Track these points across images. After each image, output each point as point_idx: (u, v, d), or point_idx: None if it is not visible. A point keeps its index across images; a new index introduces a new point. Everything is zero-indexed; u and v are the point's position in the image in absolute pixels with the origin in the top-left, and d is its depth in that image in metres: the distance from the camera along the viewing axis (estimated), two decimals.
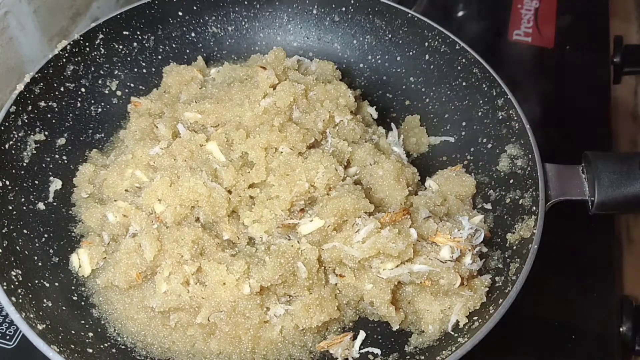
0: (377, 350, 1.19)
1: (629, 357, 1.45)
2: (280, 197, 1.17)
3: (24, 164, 1.28)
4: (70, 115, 1.39)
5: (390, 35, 1.55)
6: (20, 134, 1.29)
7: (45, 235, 1.26)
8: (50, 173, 1.33)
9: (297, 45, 1.61)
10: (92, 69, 1.44)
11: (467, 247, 1.17)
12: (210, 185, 1.20)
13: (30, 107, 1.31)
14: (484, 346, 1.07)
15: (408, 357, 1.17)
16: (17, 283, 1.12)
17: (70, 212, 1.32)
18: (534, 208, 1.22)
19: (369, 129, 1.41)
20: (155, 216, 1.20)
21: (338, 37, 1.60)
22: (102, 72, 1.46)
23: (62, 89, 1.38)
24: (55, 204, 1.31)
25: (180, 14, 1.54)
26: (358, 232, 1.14)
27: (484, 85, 1.41)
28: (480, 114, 1.42)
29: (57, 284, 1.20)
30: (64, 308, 1.17)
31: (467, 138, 1.44)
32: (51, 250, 1.24)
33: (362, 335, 1.20)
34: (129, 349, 1.16)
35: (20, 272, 1.14)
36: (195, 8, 1.54)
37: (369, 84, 1.58)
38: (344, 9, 1.56)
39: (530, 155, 1.28)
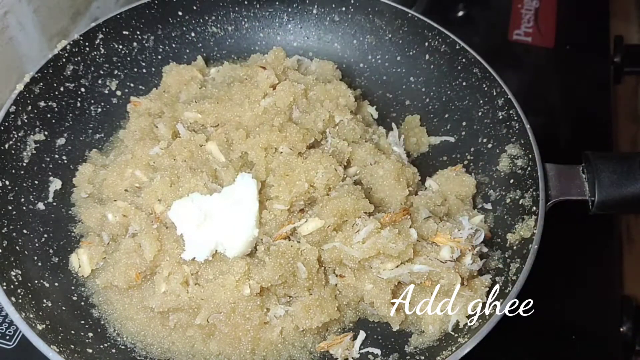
0: (377, 351, 1.19)
1: (630, 357, 1.45)
2: (279, 198, 1.17)
3: (24, 164, 1.28)
4: (70, 115, 1.39)
5: (390, 35, 1.55)
6: (20, 134, 1.29)
7: (45, 235, 1.26)
8: (50, 173, 1.33)
9: (297, 45, 1.60)
10: (92, 69, 1.44)
11: (467, 247, 1.17)
12: (210, 187, 1.20)
13: (30, 107, 1.31)
14: (484, 346, 1.07)
15: (408, 357, 1.17)
16: (17, 283, 1.12)
17: (70, 212, 1.32)
18: (534, 208, 1.22)
19: (369, 129, 1.41)
20: (155, 216, 1.20)
21: (338, 37, 1.60)
22: (102, 72, 1.46)
23: (62, 89, 1.38)
24: (55, 204, 1.31)
25: (180, 14, 1.53)
26: (358, 233, 1.14)
27: (484, 85, 1.41)
28: (480, 113, 1.42)
29: (56, 284, 1.20)
30: (63, 308, 1.17)
31: (467, 138, 1.44)
32: (51, 250, 1.24)
33: (362, 335, 1.20)
34: (128, 349, 1.16)
35: (20, 272, 1.14)
36: (195, 8, 1.54)
37: (369, 84, 1.58)
38: (344, 8, 1.56)
39: (530, 155, 1.28)
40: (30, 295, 1.12)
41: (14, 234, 1.20)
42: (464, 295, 1.16)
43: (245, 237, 1.14)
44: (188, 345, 1.17)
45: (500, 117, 1.37)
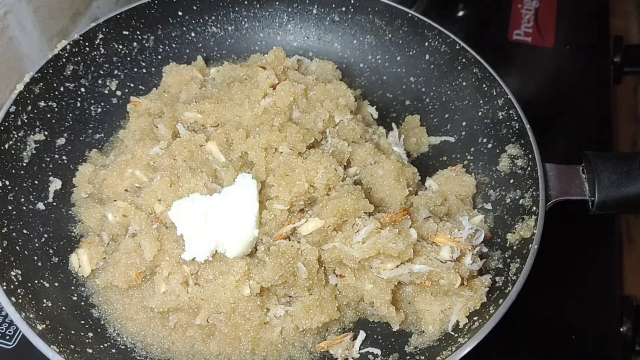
0: (377, 351, 1.19)
1: (630, 357, 1.45)
2: (279, 198, 1.17)
3: (24, 164, 1.28)
4: (70, 115, 1.39)
5: (390, 35, 1.55)
6: (20, 134, 1.29)
7: (45, 235, 1.25)
8: (50, 173, 1.33)
9: (297, 45, 1.61)
10: (92, 69, 1.44)
11: (467, 247, 1.17)
12: (210, 187, 1.20)
13: (30, 107, 1.31)
14: (484, 346, 1.07)
15: (408, 357, 1.17)
16: (17, 283, 1.12)
17: (70, 212, 1.32)
18: (534, 208, 1.22)
19: (369, 129, 1.41)
20: (155, 216, 1.20)
21: (338, 37, 1.60)
22: (102, 72, 1.46)
23: (62, 89, 1.38)
24: (55, 204, 1.31)
25: (180, 13, 1.54)
26: (358, 233, 1.14)
27: (484, 85, 1.41)
28: (480, 114, 1.42)
29: (57, 284, 1.20)
30: (63, 308, 1.17)
31: (467, 138, 1.44)
32: (51, 250, 1.24)
33: (362, 335, 1.20)
34: (128, 349, 1.16)
35: (20, 272, 1.14)
36: (195, 8, 1.54)
37: (369, 84, 1.58)
38: (344, 8, 1.56)
39: (530, 155, 1.28)
40: (30, 295, 1.12)
41: (14, 234, 1.20)
42: (464, 295, 1.16)
43: (245, 237, 1.14)
44: (188, 345, 1.17)
45: (500, 117, 1.37)
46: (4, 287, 1.08)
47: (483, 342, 1.07)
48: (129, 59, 1.50)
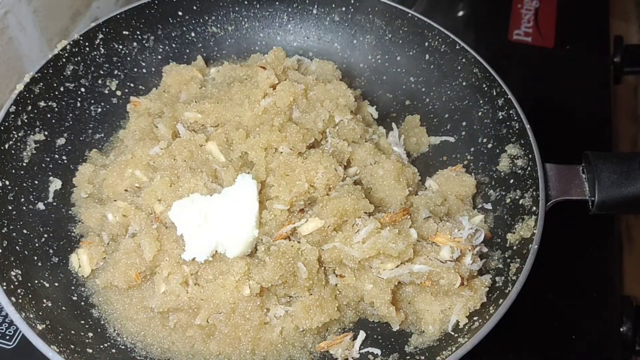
0: (377, 351, 1.19)
1: (630, 357, 1.45)
2: (279, 198, 1.17)
3: (24, 164, 1.28)
4: (70, 115, 1.39)
5: (390, 35, 1.55)
6: (20, 134, 1.29)
7: (45, 235, 1.25)
8: (50, 173, 1.33)
9: (297, 45, 1.61)
10: (92, 68, 1.44)
11: (467, 247, 1.17)
12: (210, 187, 1.20)
13: (30, 107, 1.31)
14: (484, 346, 1.07)
15: (408, 357, 1.17)
16: (17, 283, 1.12)
17: (70, 212, 1.32)
18: (534, 208, 1.22)
19: (369, 129, 1.41)
20: (154, 216, 1.20)
21: (338, 37, 1.60)
22: (102, 72, 1.46)
23: (62, 89, 1.38)
24: (55, 204, 1.31)
25: (180, 13, 1.54)
26: (358, 233, 1.14)
27: (484, 85, 1.41)
28: (480, 114, 1.42)
29: (56, 284, 1.20)
30: (63, 308, 1.17)
31: (467, 138, 1.44)
32: (51, 250, 1.24)
33: (362, 335, 1.20)
34: (128, 349, 1.16)
35: (20, 272, 1.14)
36: (195, 8, 1.54)
37: (369, 84, 1.58)
38: (344, 8, 1.56)
39: (530, 155, 1.28)
40: (30, 295, 1.12)
41: (14, 234, 1.20)
42: (464, 295, 1.16)
43: (245, 238, 1.14)
44: (188, 345, 1.17)
45: (500, 117, 1.37)
46: (4, 287, 1.08)
47: (483, 342, 1.07)
48: (129, 59, 1.50)
